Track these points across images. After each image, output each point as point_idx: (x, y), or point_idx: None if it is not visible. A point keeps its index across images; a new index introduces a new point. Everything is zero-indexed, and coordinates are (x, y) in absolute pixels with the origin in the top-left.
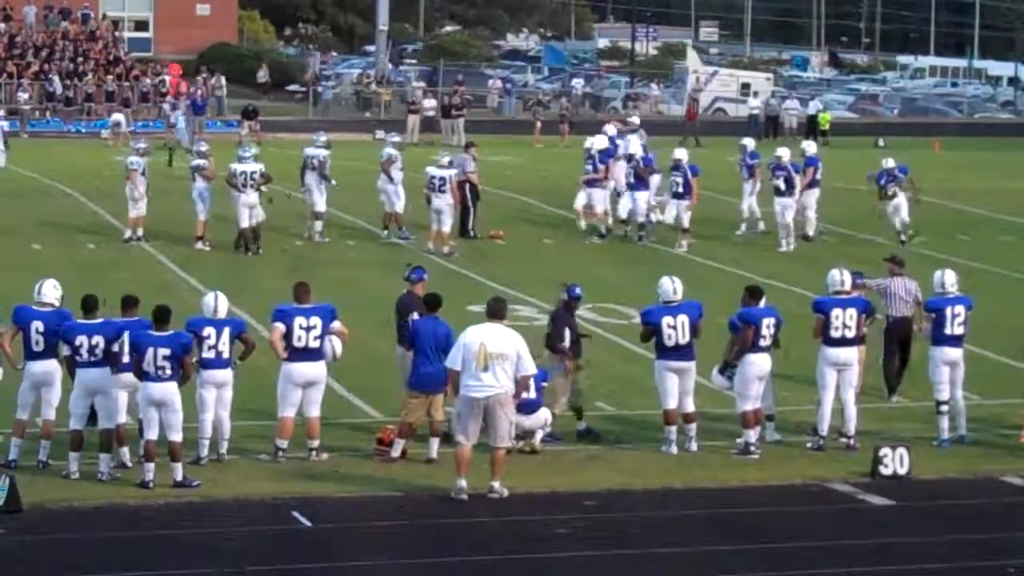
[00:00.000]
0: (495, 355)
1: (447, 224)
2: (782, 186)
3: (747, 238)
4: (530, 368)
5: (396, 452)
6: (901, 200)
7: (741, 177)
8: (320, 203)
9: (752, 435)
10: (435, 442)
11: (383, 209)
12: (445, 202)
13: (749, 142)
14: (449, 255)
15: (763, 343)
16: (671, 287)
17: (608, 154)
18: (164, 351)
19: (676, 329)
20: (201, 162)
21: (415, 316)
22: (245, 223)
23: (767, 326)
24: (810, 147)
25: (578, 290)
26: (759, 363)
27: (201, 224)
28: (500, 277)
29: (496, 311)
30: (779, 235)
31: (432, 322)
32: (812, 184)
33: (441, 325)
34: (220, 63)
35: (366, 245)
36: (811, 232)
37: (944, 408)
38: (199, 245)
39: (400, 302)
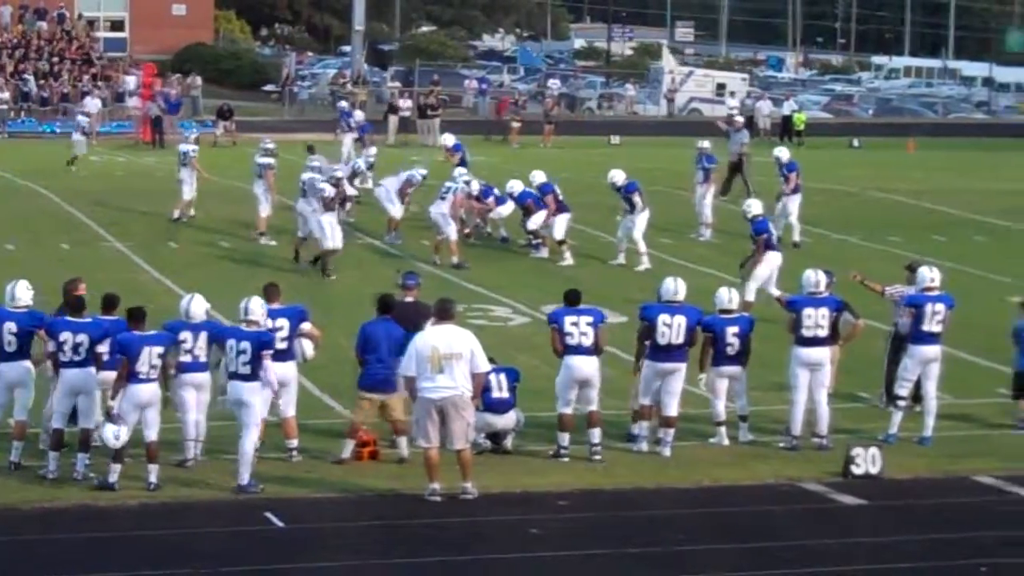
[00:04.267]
0: (448, 355)
1: (447, 234)
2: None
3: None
4: (483, 366)
5: (346, 453)
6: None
7: (697, 179)
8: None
9: (565, 438)
10: (403, 440)
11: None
12: (438, 211)
13: (706, 144)
14: (459, 267)
15: (584, 343)
16: (673, 287)
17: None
18: (158, 350)
19: (671, 328)
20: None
21: (428, 324)
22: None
23: (576, 323)
24: (783, 153)
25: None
26: (579, 366)
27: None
28: (475, 278)
29: (445, 312)
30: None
31: (384, 324)
32: (795, 190)
33: (395, 328)
34: (196, 63)
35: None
36: (797, 238)
37: (901, 403)
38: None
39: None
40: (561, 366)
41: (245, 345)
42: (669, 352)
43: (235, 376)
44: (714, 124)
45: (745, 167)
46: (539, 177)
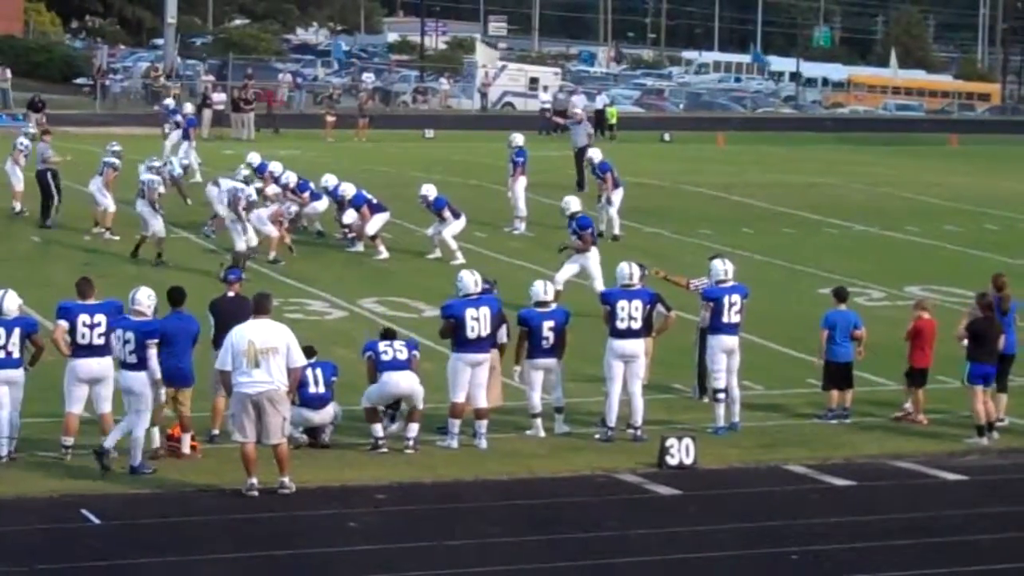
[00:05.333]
0: (264, 350)
1: (266, 233)
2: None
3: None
4: (299, 360)
5: (156, 442)
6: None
7: (508, 172)
8: None
9: (378, 429)
10: (187, 437)
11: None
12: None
13: (517, 137)
14: (275, 262)
15: (400, 358)
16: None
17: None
18: None
19: (479, 321)
20: None
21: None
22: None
23: (391, 344)
24: (596, 155)
25: None
26: (396, 381)
27: None
28: (291, 272)
29: (261, 306)
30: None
31: (178, 318)
32: (615, 185)
33: (189, 320)
34: (5, 56)
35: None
36: (617, 231)
37: (720, 396)
38: None
39: (217, 305)
40: (379, 381)
41: (129, 335)
42: (478, 344)
43: (123, 365)
44: (550, 120)
45: (584, 160)
46: (350, 190)
